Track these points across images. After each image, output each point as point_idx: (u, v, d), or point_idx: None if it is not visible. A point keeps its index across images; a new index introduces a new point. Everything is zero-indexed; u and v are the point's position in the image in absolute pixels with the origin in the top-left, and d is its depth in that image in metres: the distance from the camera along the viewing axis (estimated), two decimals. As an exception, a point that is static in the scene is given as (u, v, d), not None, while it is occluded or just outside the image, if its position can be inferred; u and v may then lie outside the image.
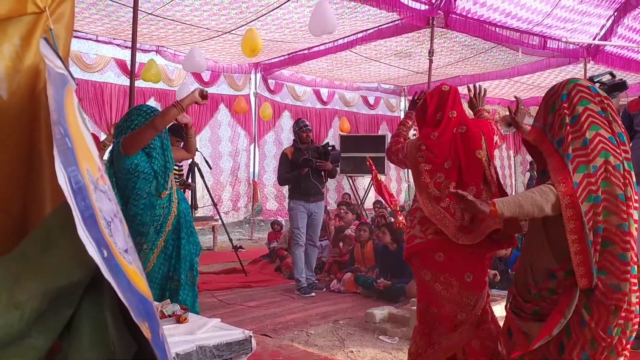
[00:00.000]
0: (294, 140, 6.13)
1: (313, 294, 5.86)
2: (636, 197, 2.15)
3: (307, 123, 6.18)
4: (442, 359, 2.90)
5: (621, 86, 3.38)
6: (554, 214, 2.10)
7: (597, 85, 2.89)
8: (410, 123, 3.41)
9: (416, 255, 2.95)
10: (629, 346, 2.18)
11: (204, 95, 3.30)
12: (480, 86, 3.30)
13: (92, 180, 1.15)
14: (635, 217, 2.14)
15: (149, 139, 3.18)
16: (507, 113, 13.58)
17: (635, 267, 2.11)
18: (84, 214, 1.04)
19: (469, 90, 3.28)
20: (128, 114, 3.40)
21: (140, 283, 1.18)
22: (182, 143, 3.98)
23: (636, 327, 2.14)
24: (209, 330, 3.11)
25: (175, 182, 3.59)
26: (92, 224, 1.05)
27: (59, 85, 1.15)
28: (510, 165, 14.97)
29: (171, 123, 3.36)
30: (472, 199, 2.21)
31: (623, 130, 2.21)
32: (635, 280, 2.12)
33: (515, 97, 2.64)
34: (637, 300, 2.12)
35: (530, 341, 2.22)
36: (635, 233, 2.11)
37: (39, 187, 1.31)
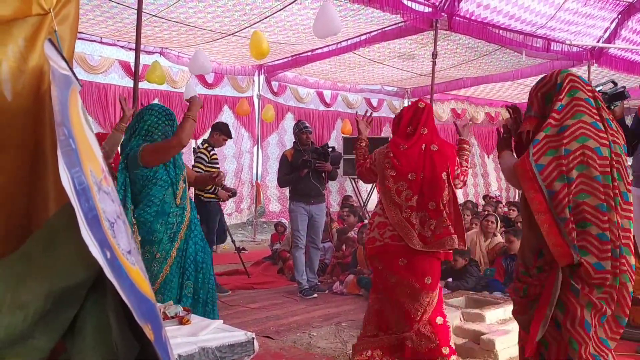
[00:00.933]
0: (294, 142, 6.12)
1: (315, 295, 5.84)
2: (629, 180, 2.26)
3: (308, 124, 6.15)
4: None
5: (621, 95, 3.39)
6: (513, 184, 2.36)
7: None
8: (364, 145, 3.65)
9: (377, 258, 3.24)
10: (621, 331, 2.25)
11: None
12: (467, 119, 3.48)
13: (96, 182, 1.15)
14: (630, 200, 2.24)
15: (174, 154, 3.23)
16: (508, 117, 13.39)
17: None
18: (88, 215, 1.04)
19: (455, 120, 3.48)
20: (140, 113, 3.37)
21: (143, 284, 1.18)
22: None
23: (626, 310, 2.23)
24: (212, 332, 3.10)
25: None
26: (96, 225, 1.05)
27: (63, 87, 1.16)
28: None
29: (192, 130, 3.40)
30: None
31: (612, 117, 2.33)
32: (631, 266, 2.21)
33: (508, 108, 2.73)
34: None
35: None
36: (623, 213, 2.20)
37: (42, 187, 1.31)
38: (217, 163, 6.18)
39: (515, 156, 2.50)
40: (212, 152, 6.09)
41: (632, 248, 2.22)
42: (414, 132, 3.25)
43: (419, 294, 3.14)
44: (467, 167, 3.43)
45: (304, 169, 5.80)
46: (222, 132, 6.18)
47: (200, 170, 5.77)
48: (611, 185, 2.18)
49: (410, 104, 3.46)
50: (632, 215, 2.24)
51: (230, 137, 6.38)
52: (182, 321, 3.27)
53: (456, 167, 3.29)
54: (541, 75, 9.50)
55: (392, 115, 13.26)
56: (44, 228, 1.21)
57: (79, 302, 1.18)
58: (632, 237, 2.24)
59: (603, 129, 2.24)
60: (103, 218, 1.10)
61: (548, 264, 2.25)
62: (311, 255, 6.09)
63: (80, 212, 1.02)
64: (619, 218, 2.17)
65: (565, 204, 2.14)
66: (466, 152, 3.48)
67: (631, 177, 3.64)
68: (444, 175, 3.17)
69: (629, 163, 3.61)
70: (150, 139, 3.24)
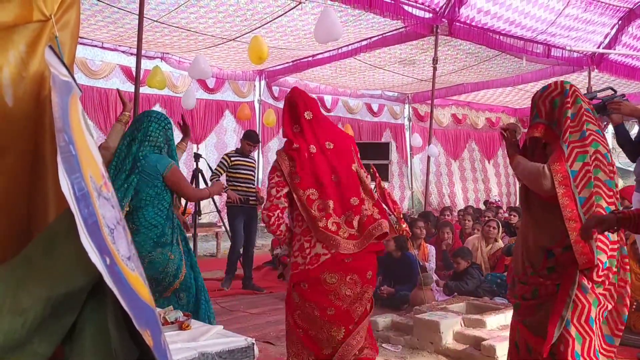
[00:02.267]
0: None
1: None
2: (617, 190, 2.38)
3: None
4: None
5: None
6: (546, 189, 2.29)
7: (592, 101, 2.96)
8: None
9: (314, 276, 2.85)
10: (623, 327, 2.36)
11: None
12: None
13: (96, 187, 1.15)
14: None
15: (187, 197, 3.48)
16: (511, 121, 13.54)
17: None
18: (87, 221, 1.04)
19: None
20: (138, 120, 3.41)
21: (142, 290, 1.18)
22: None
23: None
24: (212, 337, 3.10)
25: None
26: (95, 231, 1.06)
27: (63, 93, 1.16)
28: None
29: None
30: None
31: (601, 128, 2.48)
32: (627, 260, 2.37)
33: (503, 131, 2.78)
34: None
35: (533, 347, 2.38)
36: None
37: (42, 192, 1.31)
38: (242, 169, 6.32)
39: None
40: (233, 159, 6.27)
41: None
42: (300, 126, 2.96)
43: (361, 291, 2.89)
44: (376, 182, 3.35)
45: None
46: (244, 138, 6.40)
47: (217, 173, 6.12)
48: (614, 190, 2.31)
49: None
50: None
51: (254, 142, 6.44)
52: (182, 326, 3.27)
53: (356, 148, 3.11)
54: (542, 81, 9.56)
55: (393, 121, 13.30)
56: (44, 233, 1.21)
57: (79, 307, 1.18)
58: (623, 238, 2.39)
59: (603, 137, 2.38)
60: (103, 224, 1.10)
61: (560, 264, 2.30)
62: None
63: (80, 218, 1.02)
64: None
65: (587, 210, 2.23)
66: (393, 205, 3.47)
67: (634, 182, 3.65)
68: (353, 167, 2.97)
69: (632, 169, 3.62)
70: (154, 144, 3.34)
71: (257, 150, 10.81)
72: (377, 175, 6.70)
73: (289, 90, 3.12)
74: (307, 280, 2.86)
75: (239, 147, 6.47)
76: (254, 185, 6.43)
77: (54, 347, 1.16)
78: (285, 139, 2.99)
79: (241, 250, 6.48)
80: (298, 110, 2.96)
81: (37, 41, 1.33)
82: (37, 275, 1.15)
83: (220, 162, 6.29)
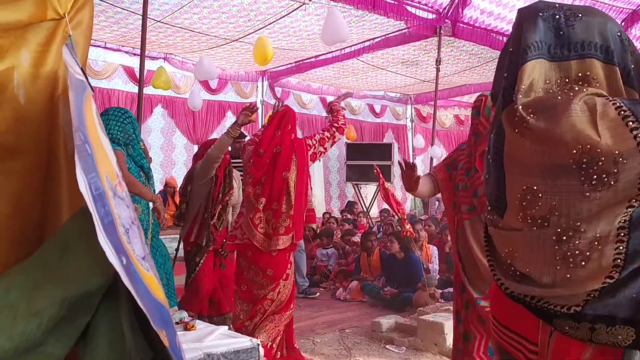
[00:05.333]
0: None
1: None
2: None
3: None
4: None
5: None
6: None
7: None
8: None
9: (237, 250, 3.66)
10: None
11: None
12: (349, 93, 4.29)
13: (111, 187, 1.14)
14: None
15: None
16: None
17: None
18: (104, 220, 1.03)
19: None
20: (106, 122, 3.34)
21: (157, 290, 1.18)
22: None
23: None
24: (217, 338, 3.09)
25: None
26: (112, 231, 1.05)
27: (79, 92, 1.15)
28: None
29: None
30: None
31: None
32: None
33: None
34: None
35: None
36: None
37: (56, 193, 1.31)
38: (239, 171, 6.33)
39: None
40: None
41: None
42: (272, 136, 3.55)
43: (263, 283, 3.54)
44: (331, 131, 3.68)
45: None
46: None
47: None
48: None
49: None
50: None
51: (237, 139, 6.46)
52: (187, 327, 3.26)
53: (309, 144, 3.58)
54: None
55: (396, 122, 13.30)
56: (58, 234, 1.21)
57: (93, 308, 1.17)
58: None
59: None
60: (118, 224, 1.09)
61: None
62: (296, 260, 6.19)
63: (97, 218, 1.01)
64: None
65: None
66: (336, 111, 3.75)
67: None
68: (284, 174, 3.46)
69: None
70: (113, 140, 3.26)
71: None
72: (381, 176, 6.72)
73: (288, 91, 3.65)
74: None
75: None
76: None
77: (69, 349, 1.15)
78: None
79: None
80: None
81: (50, 40, 1.32)
82: (52, 277, 1.14)
83: None
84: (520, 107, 1.22)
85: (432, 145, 8.26)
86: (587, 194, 1.14)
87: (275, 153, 3.49)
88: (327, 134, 3.65)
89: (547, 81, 1.26)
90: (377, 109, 12.85)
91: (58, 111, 1.33)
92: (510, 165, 1.27)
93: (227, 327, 3.48)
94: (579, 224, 1.16)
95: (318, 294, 6.00)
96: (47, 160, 1.32)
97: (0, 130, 1.26)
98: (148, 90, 8.57)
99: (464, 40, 7.65)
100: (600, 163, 1.12)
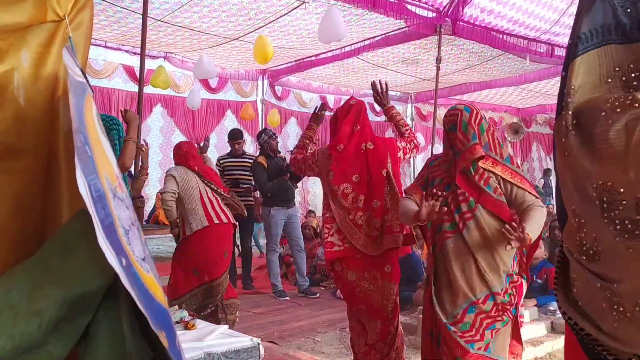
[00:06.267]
0: (261, 149, 6.34)
1: (287, 297, 6.03)
2: None
3: (274, 132, 6.51)
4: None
5: None
6: None
7: None
8: (310, 134, 3.62)
9: (337, 261, 3.23)
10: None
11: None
12: (380, 81, 3.61)
13: (111, 189, 1.15)
14: None
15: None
16: (514, 120, 13.41)
17: None
18: (104, 222, 1.04)
19: (373, 88, 3.59)
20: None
21: (157, 292, 1.18)
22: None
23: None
24: (217, 337, 3.10)
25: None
26: (112, 233, 1.06)
27: (79, 94, 1.16)
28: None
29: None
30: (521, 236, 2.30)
31: None
32: None
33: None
34: None
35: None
36: None
37: (56, 193, 1.31)
38: (233, 170, 6.38)
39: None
40: (223, 161, 6.44)
41: None
42: (351, 132, 3.28)
43: (383, 285, 3.22)
44: (408, 130, 3.50)
45: (284, 174, 5.98)
46: (228, 139, 6.50)
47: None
48: None
49: (343, 104, 3.50)
50: None
51: (235, 139, 6.53)
52: (187, 326, 3.27)
53: (399, 146, 3.35)
54: (545, 80, 9.49)
55: (396, 120, 13.28)
56: (58, 234, 1.21)
57: (94, 309, 1.18)
58: None
59: None
60: (118, 225, 1.10)
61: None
62: (297, 259, 6.24)
63: (97, 220, 1.02)
64: None
65: None
66: (397, 116, 3.55)
67: None
68: (383, 172, 3.20)
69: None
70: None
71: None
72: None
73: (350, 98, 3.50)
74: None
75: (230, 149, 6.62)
76: (248, 184, 6.45)
77: (69, 349, 1.16)
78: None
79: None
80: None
81: (50, 42, 1.33)
82: (53, 277, 1.15)
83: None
84: (570, 113, 1.09)
85: (432, 144, 8.25)
86: (617, 238, 1.00)
87: (369, 150, 3.22)
88: (408, 146, 3.41)
89: (617, 68, 1.09)
90: (378, 107, 12.84)
91: (58, 112, 1.34)
92: (563, 180, 1.13)
93: (227, 326, 3.48)
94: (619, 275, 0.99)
95: (318, 293, 6.03)
96: (47, 160, 1.32)
97: (0, 130, 1.26)
98: (148, 89, 8.57)
99: (465, 39, 7.64)
100: (621, 207, 0.98)
